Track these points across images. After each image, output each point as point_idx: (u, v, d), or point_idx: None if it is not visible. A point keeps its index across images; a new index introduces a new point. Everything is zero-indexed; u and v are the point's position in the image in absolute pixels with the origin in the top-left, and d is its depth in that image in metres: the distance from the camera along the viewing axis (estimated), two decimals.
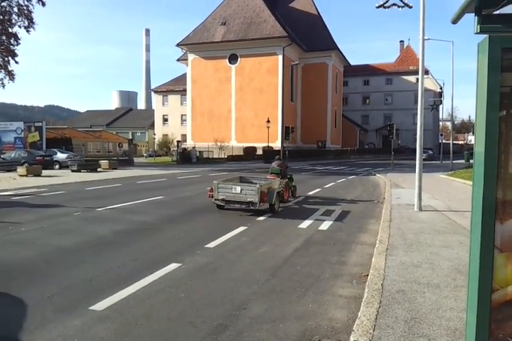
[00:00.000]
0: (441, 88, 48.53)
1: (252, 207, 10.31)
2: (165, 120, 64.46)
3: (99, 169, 27.63)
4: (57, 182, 18.32)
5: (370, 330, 3.55)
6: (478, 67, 2.42)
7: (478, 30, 2.49)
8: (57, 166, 28.25)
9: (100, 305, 4.37)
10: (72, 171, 25.36)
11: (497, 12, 2.60)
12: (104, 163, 28.87)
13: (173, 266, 5.78)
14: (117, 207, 11.25)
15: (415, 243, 6.91)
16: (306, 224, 9.18)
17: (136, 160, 39.58)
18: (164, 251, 6.67)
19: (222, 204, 10.79)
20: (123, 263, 5.99)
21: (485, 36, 2.40)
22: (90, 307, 4.33)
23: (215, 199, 10.67)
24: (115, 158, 33.14)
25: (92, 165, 27.21)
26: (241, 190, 10.29)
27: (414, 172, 11.01)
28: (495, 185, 2.33)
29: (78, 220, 9.35)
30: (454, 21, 2.79)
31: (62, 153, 29.78)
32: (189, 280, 5.24)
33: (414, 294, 4.47)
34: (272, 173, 12.73)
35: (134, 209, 11.04)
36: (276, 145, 42.90)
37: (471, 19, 2.62)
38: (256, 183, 10.62)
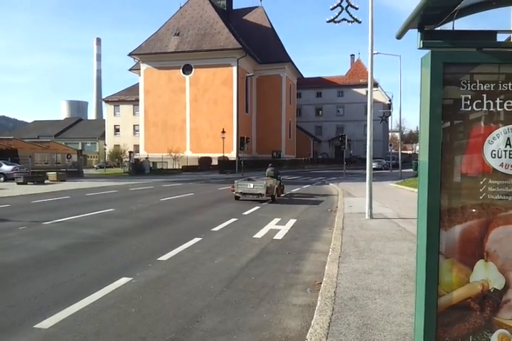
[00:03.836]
0: (390, 100, 50.59)
1: (260, 198, 15.30)
2: (116, 130, 62.94)
3: (46, 181, 26.51)
4: (1, 195, 17.38)
5: (322, 338, 3.57)
6: (422, 80, 2.52)
7: (421, 46, 2.59)
8: (1, 179, 26.86)
9: (46, 323, 4.16)
10: (18, 184, 24.18)
11: (438, 28, 2.73)
12: (51, 174, 27.73)
13: (124, 280, 5.59)
14: (65, 220, 10.79)
15: (367, 250, 7.07)
16: (261, 233, 9.19)
17: (85, 171, 38.31)
18: (114, 266, 6.44)
19: (239, 195, 15.55)
20: (71, 278, 5.73)
21: (428, 51, 2.51)
22: (35, 326, 4.11)
23: (236, 193, 15.51)
24: (64, 170, 31.90)
25: (39, 177, 26.07)
26: (253, 186, 15.29)
27: (365, 181, 11.33)
28: (439, 194, 2.42)
29: (23, 234, 8.88)
30: (399, 36, 2.90)
31: (8, 164, 28.32)
32: (140, 294, 5.07)
33: (365, 300, 4.55)
34: (267, 176, 17.17)
35: (83, 222, 10.64)
36: (232, 155, 42.99)
37: (415, 35, 2.73)
38: (262, 181, 15.54)
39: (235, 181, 15.79)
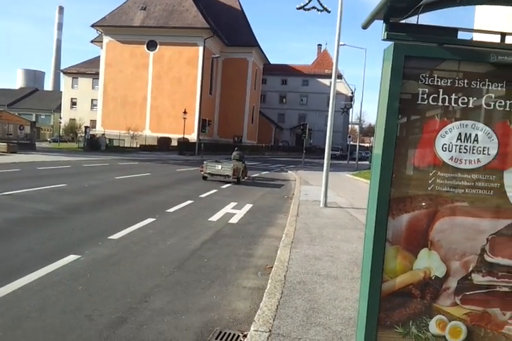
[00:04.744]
0: (352, 93, 51.31)
1: (227, 179, 16.19)
2: (73, 104, 60.62)
3: None
4: None
5: (270, 320, 3.64)
6: (383, 72, 2.55)
7: (385, 37, 2.61)
8: None
9: None
10: None
11: (403, 21, 2.77)
12: (1, 145, 26.46)
13: (72, 257, 5.45)
14: (14, 193, 10.34)
15: (319, 237, 7.23)
16: (216, 217, 9.20)
17: (38, 144, 36.77)
18: (63, 242, 6.26)
19: (207, 176, 16.36)
20: (16, 253, 5.53)
21: (391, 43, 2.54)
22: None
23: (205, 173, 16.28)
24: (15, 141, 30.49)
25: None
26: (221, 167, 16.06)
27: (322, 170, 11.53)
28: (389, 185, 2.48)
29: None
30: (365, 26, 2.91)
31: None
32: (88, 272, 4.97)
33: (314, 285, 4.67)
34: (234, 159, 17.97)
35: (33, 196, 10.24)
36: (193, 137, 42.48)
37: (381, 28, 2.75)
38: (230, 164, 16.30)
39: (204, 162, 16.67)
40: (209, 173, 16.31)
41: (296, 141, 68.11)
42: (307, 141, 34.36)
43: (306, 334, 3.44)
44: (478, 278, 2.51)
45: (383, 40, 2.64)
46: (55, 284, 4.51)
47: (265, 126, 64.81)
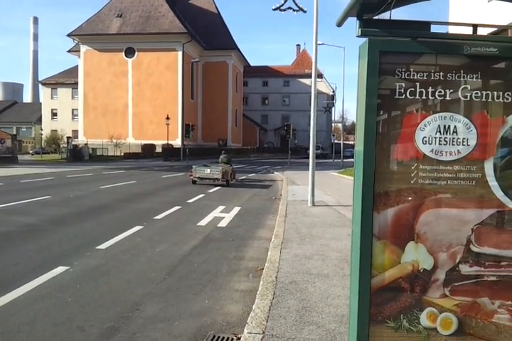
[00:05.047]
0: (333, 91, 51.64)
1: (216, 182, 16.30)
2: (54, 115, 59.88)
3: None
4: None
5: (263, 322, 3.63)
6: (359, 69, 2.56)
7: (360, 34, 2.63)
8: None
9: None
10: None
11: (376, 17, 2.79)
12: None
13: (60, 269, 5.37)
14: None
15: (308, 236, 7.24)
16: (205, 221, 9.15)
17: (20, 157, 36.26)
18: (50, 255, 6.17)
19: (197, 180, 16.62)
20: (2, 268, 5.44)
21: (365, 39, 2.55)
22: None
23: (194, 177, 16.60)
24: None
25: None
26: (210, 171, 16.39)
27: (309, 170, 11.56)
28: (373, 181, 2.49)
29: None
30: (339, 24, 2.93)
31: None
32: (78, 283, 4.90)
33: (305, 284, 4.67)
34: (221, 162, 18.29)
35: (17, 210, 10.07)
36: (177, 142, 42.28)
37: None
38: (218, 167, 16.64)
39: (193, 167, 17.01)
40: (198, 177, 16.55)
41: (281, 142, 68.13)
42: (292, 142, 34.45)
43: (300, 333, 3.44)
44: (465, 269, 2.52)
45: (358, 36, 2.65)
46: (44, 297, 4.44)
47: (249, 128, 64.79)
